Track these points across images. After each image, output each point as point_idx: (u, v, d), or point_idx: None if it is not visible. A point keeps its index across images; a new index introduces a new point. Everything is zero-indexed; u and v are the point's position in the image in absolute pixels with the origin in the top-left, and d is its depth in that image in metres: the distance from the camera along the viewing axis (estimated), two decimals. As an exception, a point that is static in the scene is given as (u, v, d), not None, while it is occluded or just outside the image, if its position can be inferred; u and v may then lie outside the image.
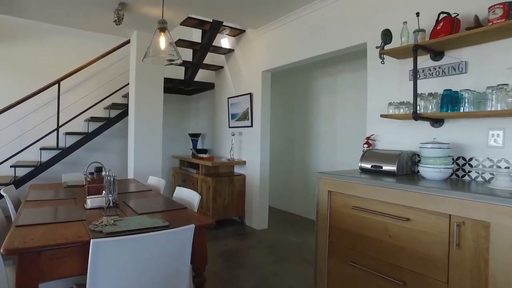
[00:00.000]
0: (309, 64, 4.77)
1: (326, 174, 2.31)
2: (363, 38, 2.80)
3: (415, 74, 2.07)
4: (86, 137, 4.61)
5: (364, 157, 2.45)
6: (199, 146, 5.78)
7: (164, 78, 4.68)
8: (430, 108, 2.09)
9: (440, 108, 2.03)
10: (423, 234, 1.74)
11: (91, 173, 2.44)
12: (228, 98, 4.79)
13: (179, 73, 5.22)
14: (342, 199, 2.19)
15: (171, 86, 5.32)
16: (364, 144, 2.66)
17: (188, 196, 2.29)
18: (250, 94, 4.29)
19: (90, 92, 5.10)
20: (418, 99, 2.14)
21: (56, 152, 4.40)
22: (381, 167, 2.30)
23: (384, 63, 2.39)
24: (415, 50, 2.05)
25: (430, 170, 2.01)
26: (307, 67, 4.86)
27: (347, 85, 4.25)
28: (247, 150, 4.39)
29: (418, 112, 2.09)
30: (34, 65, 4.81)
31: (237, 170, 4.61)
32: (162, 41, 2.19)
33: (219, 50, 4.78)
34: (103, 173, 2.34)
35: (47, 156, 4.39)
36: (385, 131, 2.59)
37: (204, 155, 4.66)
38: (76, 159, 4.97)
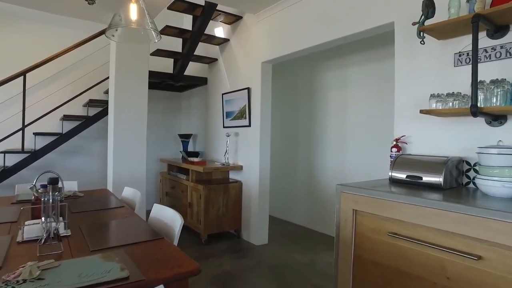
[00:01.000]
0: (315, 56, 4.24)
1: (350, 186, 1.76)
2: (389, 17, 2.27)
3: (475, 55, 1.53)
4: (60, 139, 4.03)
5: (396, 164, 1.91)
6: (190, 149, 5.22)
7: (150, 71, 4.11)
8: (494, 100, 1.55)
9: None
10: (502, 280, 1.20)
11: (44, 186, 1.87)
12: (223, 94, 4.23)
13: (167, 66, 4.66)
14: (373, 222, 1.64)
15: (159, 82, 4.76)
16: (392, 147, 2.12)
17: (169, 218, 1.73)
18: (248, 89, 3.74)
19: (64, 86, 4.51)
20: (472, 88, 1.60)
21: (24, 155, 3.81)
22: (421, 178, 1.76)
23: (424, 43, 1.85)
24: (475, 21, 1.51)
25: (496, 184, 1.47)
26: (312, 59, 4.32)
27: (360, 78, 3.71)
28: (244, 153, 3.84)
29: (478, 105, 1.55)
30: (2, 56, 4.22)
31: (232, 176, 4.05)
32: (133, 10, 1.62)
33: (212, 40, 4.22)
34: (60, 186, 1.77)
35: (13, 160, 3.81)
36: (419, 131, 2.05)
37: (195, 159, 4.10)
38: (49, 163, 4.38)
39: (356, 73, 3.75)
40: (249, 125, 3.74)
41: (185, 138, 4.89)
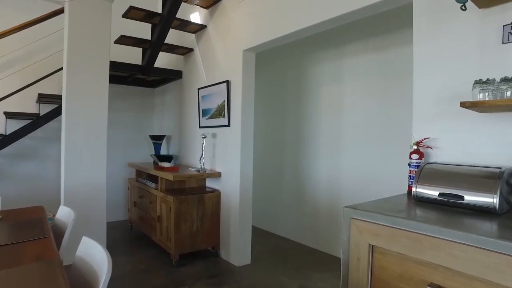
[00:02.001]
0: (305, 45, 3.72)
1: (365, 211, 1.23)
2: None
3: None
4: (4, 140, 3.38)
5: (423, 176, 1.39)
6: (164, 152, 4.62)
7: (115, 62, 3.52)
8: None
9: None
10: None
11: None
12: (199, 89, 3.67)
13: (136, 57, 4.06)
14: (403, 265, 1.12)
15: (127, 75, 4.16)
16: (411, 153, 1.61)
17: (96, 261, 1.16)
18: (227, 82, 3.18)
19: (5, 76, 3.84)
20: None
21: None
22: (462, 197, 1.25)
23: (465, 8, 1.34)
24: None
25: None
26: (302, 49, 3.80)
27: (358, 71, 3.21)
28: (223, 157, 3.28)
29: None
30: None
31: (210, 184, 3.49)
32: None
33: (187, 26, 3.65)
34: None
35: None
36: (449, 132, 1.55)
37: (166, 164, 3.52)
38: (-7, 169, 3.73)
39: (354, 65, 3.24)
40: (228, 125, 3.19)
41: (157, 140, 4.29)
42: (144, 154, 4.83)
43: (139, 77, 4.37)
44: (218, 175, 3.30)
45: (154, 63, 3.73)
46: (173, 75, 4.12)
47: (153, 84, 4.77)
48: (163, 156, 4.04)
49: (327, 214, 3.45)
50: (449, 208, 1.26)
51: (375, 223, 1.18)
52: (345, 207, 1.30)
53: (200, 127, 3.67)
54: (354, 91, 3.22)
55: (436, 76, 1.60)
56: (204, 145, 3.36)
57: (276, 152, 4.13)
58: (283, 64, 4.06)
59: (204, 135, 3.35)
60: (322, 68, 3.55)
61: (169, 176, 3.07)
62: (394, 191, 2.90)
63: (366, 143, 3.09)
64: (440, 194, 1.30)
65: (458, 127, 1.50)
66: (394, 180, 2.85)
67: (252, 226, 3.99)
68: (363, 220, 1.22)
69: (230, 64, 3.20)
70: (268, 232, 4.18)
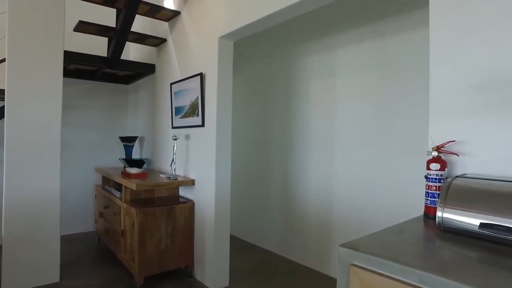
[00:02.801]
0: (291, 35, 3.30)
1: (369, 254, 0.80)
2: None
3: None
4: None
5: (451, 196, 0.96)
6: (136, 155, 4.15)
7: (73, 53, 3.05)
8: None
9: None
10: None
11: None
12: (171, 84, 3.21)
13: (101, 47, 3.59)
14: None
15: (95, 69, 3.69)
16: (430, 162, 1.18)
17: None
18: (201, 75, 2.73)
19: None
20: None
21: None
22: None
23: None
24: None
25: None
26: (288, 39, 3.37)
27: (354, 63, 2.78)
28: (197, 162, 2.83)
29: None
30: None
31: (182, 193, 3.03)
32: None
33: (159, 12, 3.19)
34: None
35: None
36: (482, 133, 1.12)
37: (133, 170, 3.05)
38: None
39: (348, 55, 2.82)
40: (202, 125, 2.74)
41: (128, 142, 3.82)
42: (117, 158, 4.35)
43: (109, 72, 3.90)
44: (191, 183, 2.85)
45: (120, 55, 3.26)
46: (145, 69, 3.66)
47: (126, 80, 4.30)
48: (134, 160, 3.57)
49: (318, 226, 3.02)
50: (501, 249, 0.83)
51: (388, 277, 0.75)
52: (342, 246, 0.86)
53: (173, 127, 3.21)
54: (348, 86, 2.80)
55: (463, 56, 1.17)
56: (175, 148, 2.90)
57: (260, 156, 3.69)
58: (267, 57, 3.62)
59: (175, 137, 2.89)
60: (312, 61, 3.12)
61: (132, 185, 2.60)
62: (396, 201, 2.49)
63: (363, 145, 2.67)
64: (482, 225, 0.87)
65: (498, 125, 1.08)
66: (396, 188, 2.43)
67: (234, 238, 3.55)
68: (369, 270, 0.79)
69: (205, 55, 2.76)
70: (251, 245, 3.74)
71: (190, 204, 2.82)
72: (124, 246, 2.83)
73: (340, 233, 2.83)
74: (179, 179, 2.86)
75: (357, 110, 2.72)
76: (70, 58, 3.04)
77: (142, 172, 3.09)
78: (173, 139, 2.90)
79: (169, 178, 2.86)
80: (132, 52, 4.37)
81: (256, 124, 3.76)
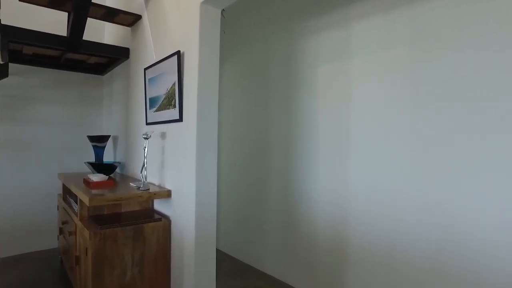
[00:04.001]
0: (295, 10, 2.66)
1: None
2: None
3: None
4: None
5: None
6: (109, 158, 3.51)
7: (22, 30, 2.43)
8: None
9: None
10: None
11: None
12: (145, 69, 2.57)
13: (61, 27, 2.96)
14: None
15: (57, 55, 3.06)
16: None
17: None
18: (178, 54, 2.10)
19: None
20: None
21: None
22: None
23: None
24: None
25: None
26: (290, 16, 2.73)
27: (372, 40, 2.14)
28: (174, 168, 2.19)
29: None
30: None
31: (159, 207, 2.39)
32: None
33: (128, -20, 2.56)
34: None
35: None
36: None
37: (95, 177, 2.40)
38: None
39: (368, 30, 2.18)
40: (180, 119, 2.10)
41: (97, 141, 3.18)
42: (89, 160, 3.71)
43: (76, 59, 3.26)
44: (166, 194, 2.21)
45: (82, 33, 2.61)
46: (117, 54, 3.02)
47: (100, 70, 3.66)
48: (102, 164, 2.93)
49: (328, 249, 2.39)
50: None
51: None
52: None
53: (147, 123, 2.57)
54: (366, 71, 2.16)
55: None
56: (146, 150, 2.26)
57: (256, 161, 3.05)
58: (264, 37, 2.98)
59: (147, 135, 2.25)
60: (319, 41, 2.48)
61: (85, 198, 1.96)
62: (439, 226, 1.85)
63: (389, 147, 2.03)
64: None
65: None
66: (441, 207, 1.79)
67: (224, 255, 2.94)
68: None
69: (184, 28, 2.12)
70: (246, 266, 3.10)
71: (165, 223, 2.18)
72: (79, 277, 2.19)
73: (358, 261, 2.19)
74: (151, 189, 2.22)
75: (381, 99, 2.08)
76: (14, 35, 2.41)
77: (108, 179, 2.44)
78: (144, 138, 2.25)
79: (139, 188, 2.22)
80: (107, 36, 3.73)
81: (250, 122, 3.12)
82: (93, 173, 2.66)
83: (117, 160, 3.33)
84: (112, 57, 3.11)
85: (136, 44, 2.92)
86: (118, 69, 3.37)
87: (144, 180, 2.24)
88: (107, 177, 2.46)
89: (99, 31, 3.74)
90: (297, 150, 2.65)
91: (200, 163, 1.96)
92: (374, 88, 2.12)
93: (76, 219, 2.22)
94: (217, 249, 3.53)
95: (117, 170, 3.27)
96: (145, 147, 2.25)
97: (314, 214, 2.50)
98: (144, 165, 2.23)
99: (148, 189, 2.20)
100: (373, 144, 2.12)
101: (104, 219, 2.12)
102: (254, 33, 3.11)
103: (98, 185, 2.32)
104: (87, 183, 2.38)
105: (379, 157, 2.08)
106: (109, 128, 3.64)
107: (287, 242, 2.73)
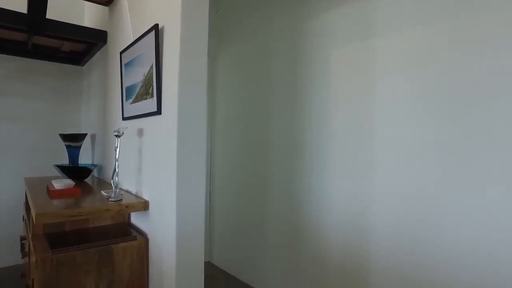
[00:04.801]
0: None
1: None
2: None
3: None
4: None
5: None
6: (87, 159, 3.07)
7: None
8: None
9: None
10: None
11: None
12: (121, 52, 2.13)
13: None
14: None
15: (23, 39, 2.62)
16: None
17: None
18: (156, 29, 1.65)
19: None
20: None
21: None
22: None
23: None
24: None
25: None
26: (296, -8, 2.28)
27: (403, 15, 1.69)
28: (152, 173, 1.74)
29: None
30: None
31: (137, 220, 1.95)
32: None
33: None
34: None
35: None
36: None
37: (58, 184, 1.96)
38: None
39: (394, 4, 1.73)
40: (158, 112, 1.65)
41: (71, 140, 2.73)
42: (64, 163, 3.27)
43: (48, 46, 2.82)
44: (142, 206, 1.76)
45: (44, 10, 2.17)
46: (93, 37, 2.58)
47: (78, 59, 3.21)
48: (74, 168, 2.49)
49: (343, 271, 1.94)
50: None
51: None
52: None
53: (123, 118, 2.13)
54: (394, 53, 1.71)
55: None
56: (117, 151, 1.81)
57: (256, 164, 2.60)
58: (265, 20, 2.54)
59: (118, 133, 1.80)
60: (332, 19, 2.04)
61: (33, 212, 1.51)
62: (487, 250, 1.35)
63: (425, 151, 1.58)
64: None
65: None
66: (477, 215, 1.34)
67: (220, 271, 2.51)
68: None
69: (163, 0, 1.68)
70: (244, 285, 2.65)
71: (141, 242, 1.74)
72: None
73: (381, 286, 1.74)
74: (124, 200, 1.77)
75: (412, 91, 1.63)
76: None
77: (75, 187, 2.00)
78: (115, 136, 1.80)
79: (110, 197, 1.78)
80: (87, 20, 3.28)
81: (249, 119, 2.68)
82: (59, 179, 2.22)
83: (94, 163, 2.89)
84: (88, 42, 2.67)
85: (114, 26, 2.48)
86: (97, 57, 2.93)
87: (116, 188, 1.79)
88: (73, 183, 2.01)
89: (79, 17, 3.30)
90: (304, 151, 2.20)
91: (182, 167, 1.51)
92: (403, 77, 1.67)
93: (29, 237, 1.78)
94: (210, 264, 3.10)
95: (95, 174, 2.83)
96: (117, 147, 1.80)
97: (326, 226, 2.05)
98: (115, 170, 1.78)
99: (120, 200, 1.76)
100: (404, 143, 1.67)
101: (63, 237, 1.68)
102: (253, 15, 2.67)
103: (60, 193, 1.87)
104: (48, 190, 1.93)
105: (408, 164, 1.63)
106: (88, 126, 3.19)
107: (292, 258, 2.28)
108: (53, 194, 1.85)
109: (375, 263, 1.78)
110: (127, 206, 1.70)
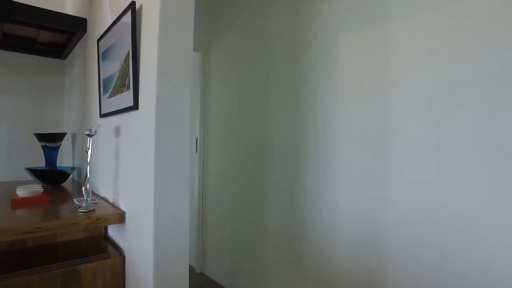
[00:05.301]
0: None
1: None
2: None
3: None
4: None
5: None
6: (67, 162, 2.80)
7: None
8: None
9: None
10: None
11: None
12: (98, 40, 1.87)
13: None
14: None
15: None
16: None
17: None
18: (132, 6, 1.38)
19: None
20: None
21: None
22: None
23: None
24: None
25: None
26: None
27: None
28: (128, 179, 1.48)
29: None
30: None
31: (112, 234, 1.68)
32: None
33: None
34: None
35: None
36: None
37: (22, 191, 1.69)
38: None
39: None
40: (135, 106, 1.38)
41: (47, 141, 2.45)
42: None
43: (23, 36, 2.55)
44: (117, 218, 1.49)
45: (11, -9, 1.90)
46: (70, 25, 2.30)
47: (58, 51, 2.94)
48: (49, 171, 2.22)
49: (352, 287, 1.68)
50: None
51: None
52: None
53: (101, 115, 1.86)
54: (416, 40, 1.45)
55: None
56: (89, 153, 1.54)
57: (254, 167, 2.34)
58: (266, 2, 2.28)
59: (90, 132, 1.53)
60: (340, 1, 1.78)
61: (-19, 230, 1.25)
62: None
63: (449, 151, 1.32)
64: None
65: None
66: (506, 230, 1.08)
67: (214, 285, 2.21)
68: None
69: (142, -30, 1.41)
70: (241, 302, 2.39)
71: (116, 261, 1.47)
72: None
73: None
74: (97, 210, 1.51)
75: (439, 84, 1.37)
76: None
77: (42, 194, 1.73)
78: (87, 136, 1.54)
79: (80, 208, 1.51)
80: (70, 9, 3.01)
81: (245, 118, 2.41)
82: (26, 185, 1.95)
83: (76, 165, 2.62)
84: (66, 31, 2.40)
85: (93, 13, 2.21)
86: (78, 49, 2.66)
87: (88, 197, 1.52)
88: (41, 190, 1.74)
89: (61, 5, 3.02)
90: (308, 154, 1.94)
91: (161, 172, 1.25)
92: (426, 68, 1.41)
93: (-13, 254, 1.51)
94: (203, 275, 2.83)
95: (75, 178, 2.56)
96: (88, 148, 1.53)
97: (333, 238, 1.79)
98: (86, 175, 1.51)
99: (92, 211, 1.49)
100: (426, 146, 1.41)
101: (20, 257, 1.41)
102: (250, 2, 2.41)
103: (23, 203, 1.60)
104: (15, 202, 1.66)
105: (435, 165, 1.37)
106: (69, 125, 2.92)
107: (293, 273, 2.02)
108: (14, 203, 1.58)
109: (388, 281, 1.52)
110: (98, 219, 1.43)
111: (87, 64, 2.29)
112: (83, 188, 1.54)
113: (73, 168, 2.32)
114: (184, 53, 1.31)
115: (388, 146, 1.54)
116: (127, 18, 1.42)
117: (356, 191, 1.67)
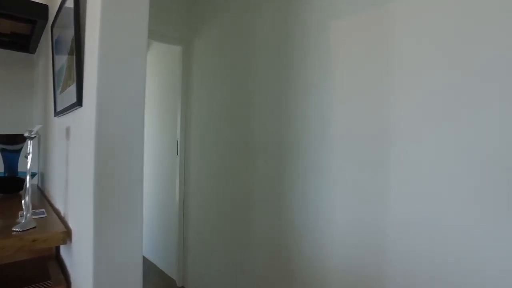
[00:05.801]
0: None
1: None
2: None
3: None
4: None
5: None
6: (33, 167, 2.52)
7: None
8: None
9: None
10: None
11: None
12: (51, 26, 1.62)
13: None
14: None
15: None
16: None
17: None
18: (74, -20, 1.13)
19: None
20: None
21: None
22: None
23: None
24: None
25: None
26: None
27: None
28: (75, 190, 1.22)
29: None
30: None
31: (63, 254, 1.43)
32: None
33: None
34: None
35: None
36: None
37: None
38: None
39: None
40: (78, 103, 1.13)
41: (7, 143, 2.19)
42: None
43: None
44: (60, 238, 1.23)
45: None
46: (29, 13, 2.04)
47: (25, 44, 2.68)
48: (15, 180, 1.96)
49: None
50: None
51: None
52: None
53: (55, 113, 1.60)
54: (424, 24, 1.21)
55: None
56: (29, 158, 1.28)
57: (236, 175, 2.09)
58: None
59: (30, 134, 1.27)
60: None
61: None
62: None
63: (456, 156, 1.08)
64: None
65: None
66: None
67: None
68: None
69: None
70: (222, 324, 2.14)
71: (58, 290, 1.21)
72: None
73: None
74: (40, 227, 1.25)
75: (452, 77, 1.13)
76: None
77: (-17, 206, 1.47)
78: (27, 138, 1.28)
79: (19, 225, 1.25)
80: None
81: (227, 116, 2.16)
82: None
83: (40, 170, 2.36)
84: (26, 20, 2.14)
85: (54, -2, 1.95)
86: (43, 40, 2.40)
87: (27, 213, 1.26)
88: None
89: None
90: (297, 160, 1.70)
91: (104, 183, 0.99)
92: (434, 53, 1.17)
93: None
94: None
95: (39, 184, 2.30)
96: (29, 153, 1.27)
97: (325, 253, 1.54)
98: (25, 186, 1.25)
99: (32, 229, 1.23)
100: (431, 150, 1.17)
101: None
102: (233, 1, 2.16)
103: (-46, 218, 1.35)
104: None
105: (439, 172, 1.13)
106: (37, 124, 2.65)
107: (281, 287, 1.78)
108: None
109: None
110: (34, 240, 1.17)
111: (48, 57, 2.03)
112: (22, 202, 1.28)
113: (34, 174, 2.06)
114: (138, 32, 1.06)
115: (389, 148, 1.30)
116: (70, 2, 1.17)
117: (351, 205, 1.43)
